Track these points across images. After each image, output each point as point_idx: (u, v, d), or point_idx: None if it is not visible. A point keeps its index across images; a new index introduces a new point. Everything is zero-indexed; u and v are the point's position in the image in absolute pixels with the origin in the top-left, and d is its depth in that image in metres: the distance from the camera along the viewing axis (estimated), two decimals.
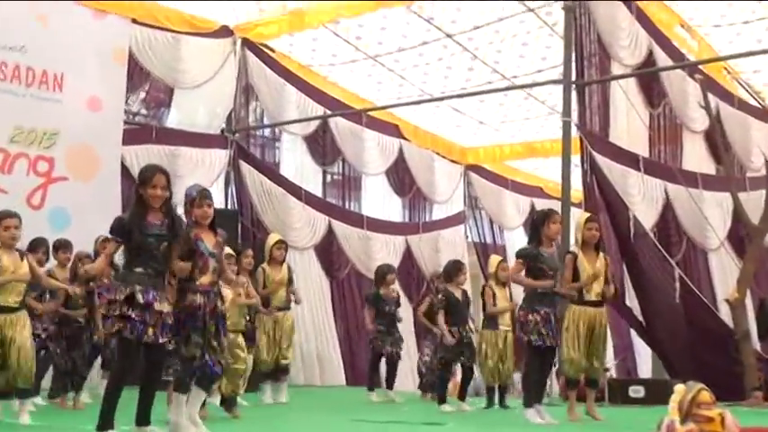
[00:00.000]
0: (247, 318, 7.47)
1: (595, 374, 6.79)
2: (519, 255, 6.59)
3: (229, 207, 12.42)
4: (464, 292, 8.01)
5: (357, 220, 13.16)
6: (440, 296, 7.77)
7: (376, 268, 9.47)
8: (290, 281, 8.63)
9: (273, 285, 8.36)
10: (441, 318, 7.73)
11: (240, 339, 6.84)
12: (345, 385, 12.06)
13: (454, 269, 8.00)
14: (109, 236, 4.98)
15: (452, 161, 15.18)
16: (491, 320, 8.07)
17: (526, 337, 6.47)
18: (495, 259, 8.39)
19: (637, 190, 10.44)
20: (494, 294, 8.06)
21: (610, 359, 10.52)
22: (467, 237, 15.35)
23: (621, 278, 9.99)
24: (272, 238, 8.67)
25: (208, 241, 5.39)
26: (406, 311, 11.07)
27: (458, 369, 8.18)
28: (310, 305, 12.03)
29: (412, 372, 10.89)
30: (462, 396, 7.99)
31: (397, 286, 9.63)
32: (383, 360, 9.06)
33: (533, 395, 6.52)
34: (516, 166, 15.91)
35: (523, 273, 6.58)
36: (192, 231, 5.32)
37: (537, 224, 6.57)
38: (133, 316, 4.68)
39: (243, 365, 6.85)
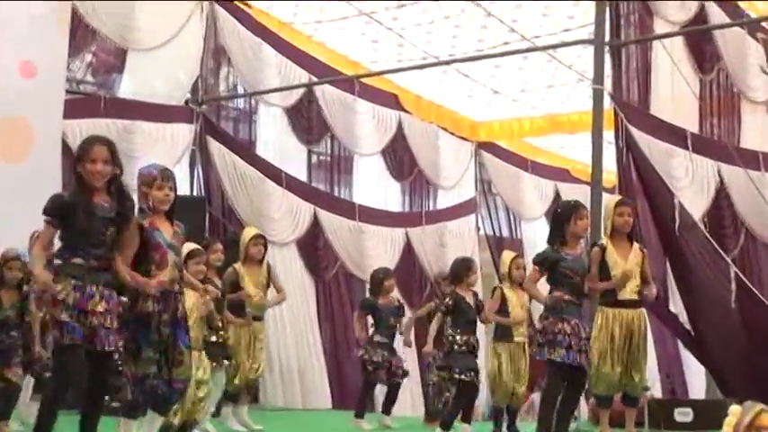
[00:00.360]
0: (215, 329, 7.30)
1: (635, 390, 6.75)
2: (536, 261, 6.57)
3: (195, 193, 12.34)
4: (475, 295, 7.96)
5: (348, 210, 13.05)
6: (447, 300, 7.75)
7: (371, 274, 9.42)
8: (269, 285, 8.60)
9: (250, 289, 8.34)
10: (435, 324, 7.78)
11: (201, 356, 6.69)
12: (332, 408, 11.93)
13: (463, 268, 7.92)
14: (44, 218, 4.85)
15: (461, 138, 15.03)
16: (504, 330, 8.09)
17: (548, 353, 6.39)
18: (507, 256, 8.39)
19: (684, 172, 10.38)
20: (505, 298, 8.07)
21: (652, 376, 10.30)
22: (478, 229, 15.30)
23: (664, 279, 9.98)
24: (249, 233, 8.66)
25: (165, 232, 5.26)
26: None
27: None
28: (291, 312, 11.89)
29: (411, 393, 10.91)
30: (468, 419, 7.99)
31: (396, 293, 9.65)
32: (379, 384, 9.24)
33: (550, 424, 6.42)
34: (538, 144, 15.76)
35: (542, 281, 6.63)
36: (147, 219, 5.20)
37: (561, 220, 6.54)
38: (65, 318, 4.65)
39: (203, 391, 6.66)
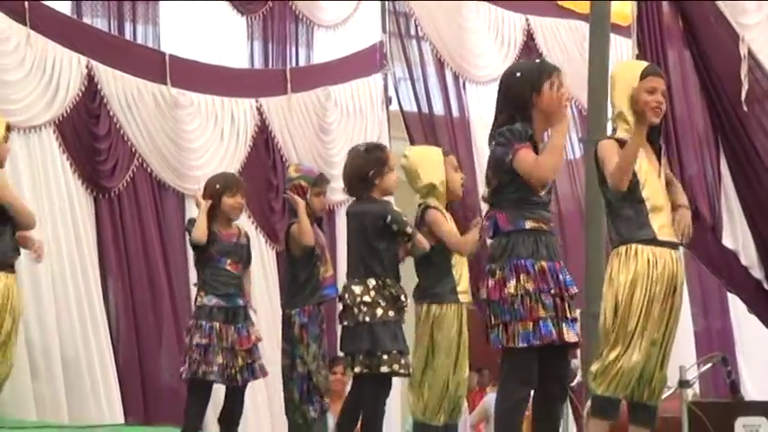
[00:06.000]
0: None
1: (652, 396, 5.23)
2: (518, 137, 4.96)
3: None
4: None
5: (150, 64, 9.81)
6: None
7: (206, 183, 7.38)
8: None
9: None
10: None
11: None
12: (124, 424, 9.03)
13: (373, 162, 6.31)
14: None
15: None
16: (443, 281, 6.50)
17: (506, 339, 4.91)
18: (420, 154, 6.92)
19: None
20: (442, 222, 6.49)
21: (686, 362, 7.88)
22: (389, 100, 11.84)
23: (714, 192, 8.53)
24: None
25: None
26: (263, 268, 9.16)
27: None
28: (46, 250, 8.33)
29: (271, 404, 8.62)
30: None
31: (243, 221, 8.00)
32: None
33: None
34: None
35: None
36: None
37: (522, 91, 5.03)
38: None
39: None
